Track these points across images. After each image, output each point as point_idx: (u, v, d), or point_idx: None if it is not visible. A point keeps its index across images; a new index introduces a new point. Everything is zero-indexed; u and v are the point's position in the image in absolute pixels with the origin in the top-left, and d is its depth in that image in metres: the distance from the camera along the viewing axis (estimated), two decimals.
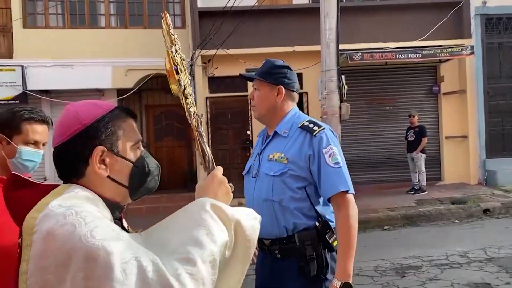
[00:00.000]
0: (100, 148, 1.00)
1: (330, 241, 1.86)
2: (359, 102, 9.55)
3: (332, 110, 7.15)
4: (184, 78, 1.13)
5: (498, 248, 5.21)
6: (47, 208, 0.91)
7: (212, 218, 0.96)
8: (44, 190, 0.99)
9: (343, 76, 7.29)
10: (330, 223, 1.90)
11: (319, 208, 1.91)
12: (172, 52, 1.12)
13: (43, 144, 1.72)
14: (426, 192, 8.48)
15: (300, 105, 9.35)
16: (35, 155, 1.68)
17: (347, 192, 1.83)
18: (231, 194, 1.12)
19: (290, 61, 7.80)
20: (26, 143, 1.66)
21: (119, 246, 0.86)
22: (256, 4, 8.32)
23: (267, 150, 1.99)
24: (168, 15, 1.18)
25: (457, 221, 6.95)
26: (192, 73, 8.96)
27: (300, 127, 1.92)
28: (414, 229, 6.66)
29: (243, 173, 2.14)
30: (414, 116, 8.48)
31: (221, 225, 0.97)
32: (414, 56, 8.02)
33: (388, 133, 9.44)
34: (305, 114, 2.13)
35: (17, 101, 8.62)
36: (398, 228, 6.79)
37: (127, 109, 1.10)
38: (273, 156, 1.92)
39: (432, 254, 5.16)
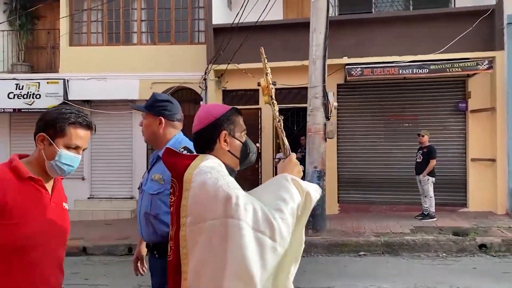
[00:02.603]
0: (224, 132, 1.62)
1: None
2: (374, 118, 9.11)
3: (316, 127, 7.02)
4: (272, 92, 1.74)
5: None
6: (198, 167, 1.49)
7: (292, 186, 1.49)
8: (187, 158, 1.59)
9: (330, 93, 7.13)
10: None
11: None
12: (267, 75, 1.74)
13: (83, 150, 1.73)
14: (436, 219, 7.76)
15: None
16: (73, 160, 1.68)
17: None
18: (302, 173, 1.62)
19: (300, 75, 7.81)
20: (68, 147, 1.66)
21: (242, 194, 1.41)
22: (260, 20, 8.45)
23: (152, 170, 2.33)
24: (263, 49, 1.81)
25: (444, 254, 6.30)
26: (205, 86, 9.41)
27: None
28: (384, 258, 6.21)
29: (137, 187, 2.50)
30: (423, 136, 7.81)
31: (297, 192, 1.49)
32: (420, 71, 7.43)
33: (406, 152, 8.80)
34: None
35: None
36: (374, 256, 6.39)
37: (238, 109, 1.72)
38: (154, 177, 2.25)
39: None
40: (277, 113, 1.73)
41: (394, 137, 9.01)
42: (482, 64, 7.28)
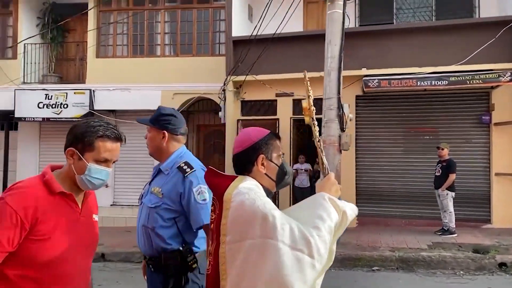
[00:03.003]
0: (262, 156, 1.69)
1: (190, 263, 2.26)
2: (394, 130, 8.95)
3: (330, 139, 6.98)
4: (313, 114, 1.82)
5: None
6: (237, 188, 1.57)
7: (329, 205, 1.56)
8: (227, 178, 1.66)
9: (346, 105, 7.08)
10: (196, 248, 2.32)
11: (187, 235, 2.30)
12: (309, 97, 1.82)
13: (114, 162, 1.72)
14: (456, 235, 7.52)
15: None
16: (103, 173, 1.67)
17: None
18: (339, 191, 1.68)
19: (320, 86, 7.67)
20: (97, 160, 1.65)
21: (279, 214, 1.48)
22: (278, 31, 8.52)
23: (153, 183, 2.36)
24: (306, 72, 1.93)
25: (461, 272, 6.10)
26: (224, 97, 9.54)
27: (177, 167, 2.28)
28: (397, 274, 6.07)
29: (138, 198, 2.52)
30: (442, 149, 7.60)
31: (335, 211, 1.55)
32: (439, 83, 7.27)
33: (426, 165, 8.57)
34: None
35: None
36: (388, 271, 6.26)
37: (276, 133, 1.79)
38: (154, 190, 2.29)
39: None
40: (318, 133, 1.80)
41: (414, 150, 8.82)
42: (505, 76, 7.06)
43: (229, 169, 9.58)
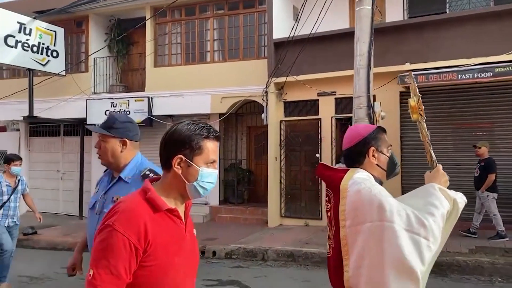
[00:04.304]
0: (372, 148, 1.88)
1: None
2: (443, 126, 8.43)
3: None
4: (422, 111, 2.01)
5: None
6: (352, 178, 1.77)
7: (440, 194, 1.73)
8: (339, 171, 1.87)
9: (377, 103, 6.93)
10: None
11: None
12: (418, 96, 2.02)
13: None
14: (507, 239, 6.91)
15: None
16: (214, 177, 1.54)
17: None
18: (448, 182, 1.86)
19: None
20: (207, 163, 1.51)
21: (394, 201, 1.67)
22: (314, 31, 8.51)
23: (111, 191, 2.24)
24: (411, 73, 2.21)
25: (499, 279, 5.64)
26: (266, 99, 9.76)
27: (142, 175, 2.19)
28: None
29: (88, 207, 2.37)
30: (479, 148, 7.05)
31: (446, 199, 1.72)
32: (482, 75, 6.72)
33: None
34: None
35: (144, 124, 11.22)
36: None
37: (383, 128, 1.99)
38: (117, 199, 2.10)
39: None
40: (426, 130, 1.98)
41: (465, 147, 8.22)
42: None
43: (271, 168, 9.77)
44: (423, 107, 1.97)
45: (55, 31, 11.68)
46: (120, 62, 12.60)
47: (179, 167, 1.48)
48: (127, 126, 2.28)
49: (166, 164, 1.50)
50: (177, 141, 1.48)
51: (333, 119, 9.28)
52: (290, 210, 9.76)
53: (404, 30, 8.65)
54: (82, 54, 12.67)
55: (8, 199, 5.52)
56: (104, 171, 2.44)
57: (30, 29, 11.09)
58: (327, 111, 9.34)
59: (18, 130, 13.57)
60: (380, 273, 1.63)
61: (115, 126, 2.26)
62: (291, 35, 8.93)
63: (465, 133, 8.29)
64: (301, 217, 9.49)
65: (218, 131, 1.68)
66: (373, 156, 1.87)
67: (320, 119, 9.42)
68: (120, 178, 2.23)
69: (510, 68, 6.68)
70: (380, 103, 7.01)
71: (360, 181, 1.74)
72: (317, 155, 9.43)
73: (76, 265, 2.54)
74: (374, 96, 8.23)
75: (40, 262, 7.21)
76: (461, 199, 1.77)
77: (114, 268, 1.35)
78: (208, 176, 1.51)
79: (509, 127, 7.91)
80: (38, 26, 11.32)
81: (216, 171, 1.56)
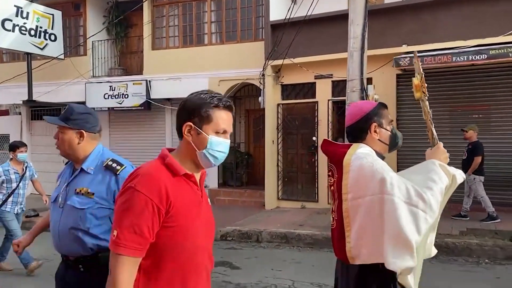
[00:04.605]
0: (374, 124, 1.97)
1: None
2: (439, 109, 8.37)
3: None
4: (425, 89, 2.06)
5: None
6: (355, 153, 1.86)
7: (439, 170, 1.83)
8: (342, 146, 1.96)
9: (370, 86, 6.93)
10: None
11: None
12: (421, 74, 2.06)
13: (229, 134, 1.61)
14: (499, 220, 6.97)
15: None
16: (224, 146, 1.56)
17: None
18: (448, 159, 1.95)
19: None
20: (217, 132, 1.54)
21: (395, 175, 1.77)
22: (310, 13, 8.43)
23: (73, 183, 2.19)
24: (416, 53, 2.20)
25: (487, 260, 5.72)
26: (263, 82, 9.74)
27: (105, 166, 2.17)
28: None
29: (51, 201, 2.31)
30: (467, 131, 7.06)
31: (445, 175, 1.82)
32: (477, 57, 6.66)
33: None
34: None
35: (142, 108, 11.27)
36: None
37: (384, 104, 2.06)
38: (81, 191, 2.13)
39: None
40: (429, 108, 2.05)
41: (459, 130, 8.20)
42: None
43: (268, 151, 9.83)
44: (426, 85, 2.00)
45: (52, 14, 11.66)
46: (118, 45, 12.57)
47: (189, 134, 1.53)
48: (85, 118, 2.25)
49: (179, 132, 1.56)
50: (187, 109, 1.53)
51: (330, 102, 9.27)
52: (287, 192, 9.86)
53: (400, 11, 8.54)
54: (81, 38, 12.67)
55: (17, 186, 5.59)
56: (66, 163, 2.43)
57: (27, 13, 11.08)
58: (324, 94, 9.32)
59: (20, 113, 13.70)
60: (379, 243, 1.73)
61: (72, 117, 2.23)
62: (288, 16, 8.86)
63: (461, 115, 8.25)
64: (297, 200, 9.58)
65: (231, 101, 1.61)
66: (375, 131, 1.94)
67: (317, 102, 9.41)
68: (82, 169, 2.21)
69: (505, 50, 6.60)
70: (374, 86, 7.00)
71: (362, 156, 1.82)
72: (314, 138, 9.45)
73: (21, 244, 2.54)
74: (371, 79, 8.29)
75: (39, 244, 7.37)
76: (460, 176, 1.86)
77: (137, 227, 1.38)
78: (218, 145, 1.53)
79: (504, 109, 7.86)
80: (35, 9, 11.30)
81: (228, 141, 1.57)
